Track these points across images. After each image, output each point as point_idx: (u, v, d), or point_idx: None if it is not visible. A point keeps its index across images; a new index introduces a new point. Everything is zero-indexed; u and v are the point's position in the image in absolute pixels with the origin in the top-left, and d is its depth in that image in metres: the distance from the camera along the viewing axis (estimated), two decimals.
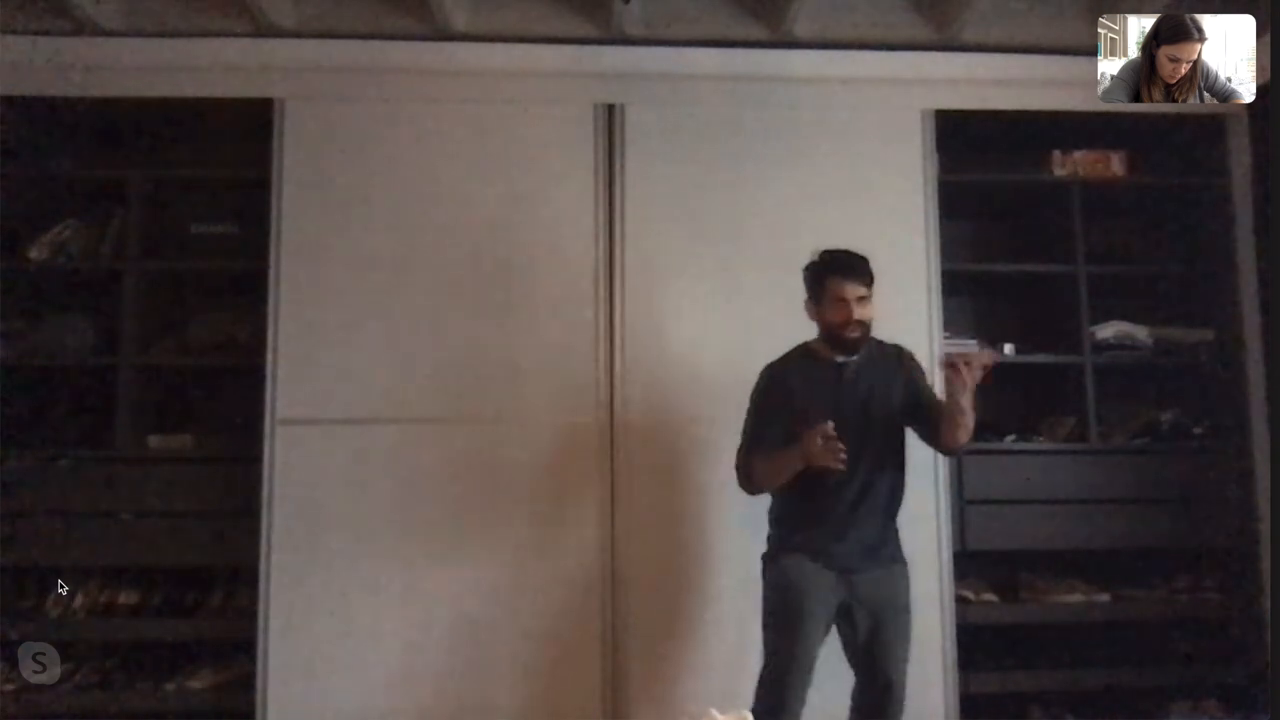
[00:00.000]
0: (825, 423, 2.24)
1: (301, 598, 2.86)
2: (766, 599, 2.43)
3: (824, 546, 2.37)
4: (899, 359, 2.52)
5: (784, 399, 2.41)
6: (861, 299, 2.38)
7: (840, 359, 2.42)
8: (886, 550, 2.43)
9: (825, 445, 2.24)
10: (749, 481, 2.45)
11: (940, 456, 2.97)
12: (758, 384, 2.49)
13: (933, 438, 2.46)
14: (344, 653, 2.86)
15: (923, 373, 2.54)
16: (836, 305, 2.38)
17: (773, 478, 2.41)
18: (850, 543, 2.37)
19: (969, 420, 2.30)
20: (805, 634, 2.33)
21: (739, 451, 2.47)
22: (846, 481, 2.35)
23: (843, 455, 2.24)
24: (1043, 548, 3.15)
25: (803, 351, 2.50)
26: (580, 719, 2.85)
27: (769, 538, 2.49)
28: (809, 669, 2.33)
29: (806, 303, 2.46)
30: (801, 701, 2.29)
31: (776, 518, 2.50)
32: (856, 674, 2.40)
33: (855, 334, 2.38)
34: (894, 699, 2.35)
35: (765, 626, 2.42)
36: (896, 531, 2.48)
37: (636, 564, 2.89)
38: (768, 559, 2.48)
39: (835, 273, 2.39)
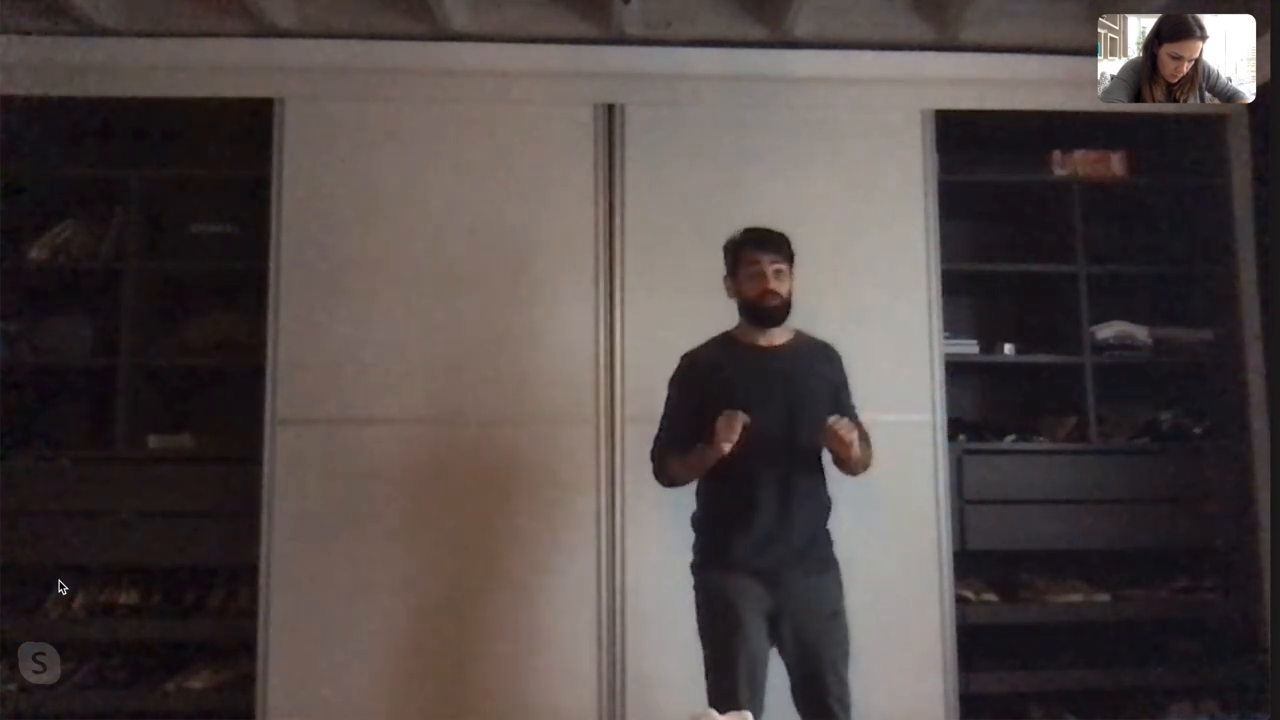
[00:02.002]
0: (736, 414, 2.18)
1: (301, 598, 2.86)
2: (699, 612, 2.35)
3: (747, 559, 2.28)
4: (828, 358, 2.46)
5: (701, 384, 2.34)
6: (779, 271, 2.34)
7: (762, 340, 2.38)
8: (814, 557, 2.34)
9: (727, 424, 2.17)
10: (663, 473, 2.38)
11: (940, 456, 2.99)
12: (676, 371, 2.42)
13: (839, 459, 2.37)
14: (344, 653, 2.86)
15: (848, 389, 2.45)
16: (752, 275, 2.34)
17: (686, 473, 2.34)
18: (774, 552, 2.28)
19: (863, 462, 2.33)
20: (743, 646, 2.24)
21: (655, 441, 2.41)
22: (767, 478, 2.29)
23: (735, 435, 2.17)
24: (1043, 548, 3.15)
25: (723, 339, 2.43)
26: (579, 719, 2.85)
27: (694, 545, 2.41)
28: (757, 677, 2.25)
29: (725, 280, 2.41)
30: (758, 706, 2.22)
31: (698, 522, 2.41)
32: (791, 680, 2.30)
33: (773, 303, 2.33)
34: (831, 697, 2.26)
35: (702, 640, 2.32)
36: (827, 534, 2.39)
37: (637, 564, 2.90)
38: (695, 569, 2.39)
39: (751, 245, 2.36)
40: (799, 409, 2.33)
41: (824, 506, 2.40)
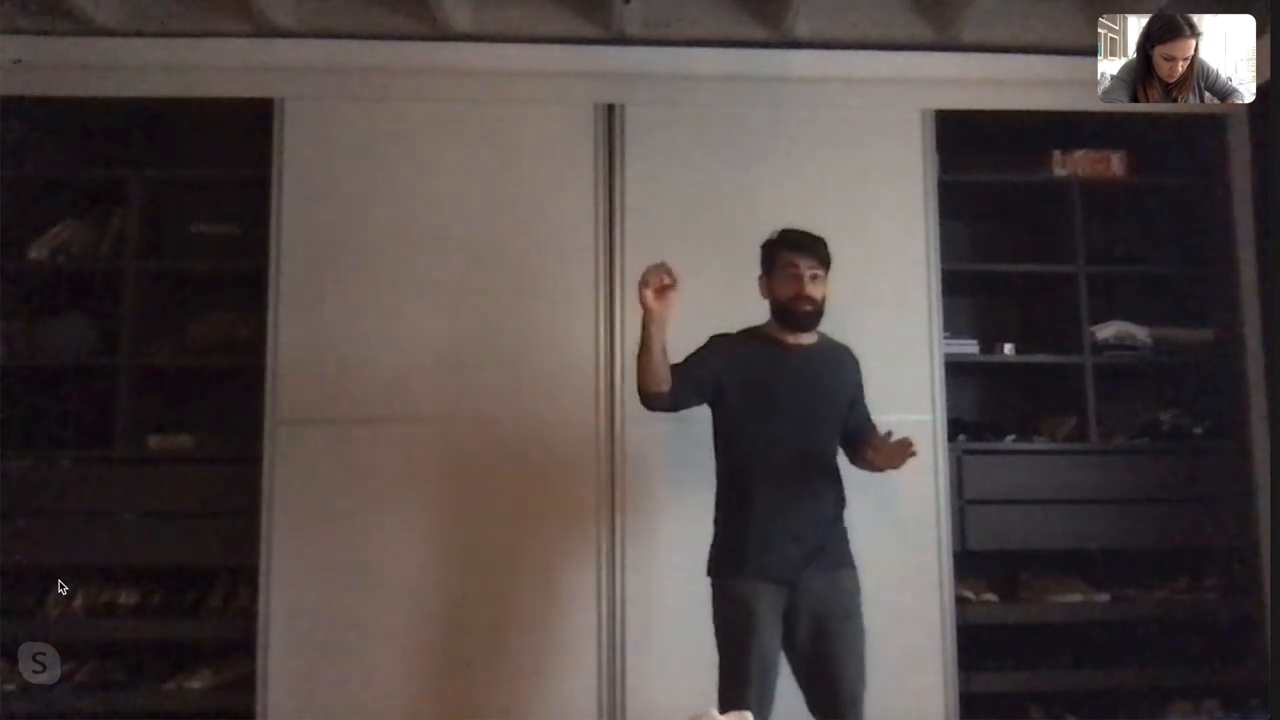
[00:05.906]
0: (660, 263, 2.16)
1: (301, 598, 2.86)
2: (715, 615, 2.33)
3: (767, 563, 2.27)
4: (850, 362, 2.48)
5: (725, 361, 2.33)
6: (815, 276, 2.33)
7: (790, 339, 2.37)
8: (830, 555, 2.33)
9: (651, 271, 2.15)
10: (642, 387, 2.27)
11: (940, 456, 2.99)
12: (703, 344, 2.37)
13: (857, 458, 2.41)
14: (344, 653, 2.86)
15: (863, 393, 2.49)
16: (789, 278, 2.33)
17: (645, 361, 2.22)
18: (793, 552, 2.28)
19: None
20: (758, 644, 2.23)
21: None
22: (787, 476, 2.30)
23: (660, 280, 2.15)
24: (1043, 548, 3.14)
25: (752, 332, 2.41)
26: (580, 719, 2.85)
27: (712, 548, 2.39)
28: (770, 677, 2.24)
29: (760, 279, 2.41)
30: (767, 705, 2.22)
31: (718, 524, 2.39)
32: (804, 690, 2.29)
33: (807, 308, 2.33)
34: (845, 696, 2.24)
35: (717, 639, 2.31)
36: (844, 533, 2.40)
37: (637, 564, 2.89)
38: (714, 575, 2.37)
39: (789, 247, 2.35)
40: (819, 409, 2.37)
41: (840, 501, 2.41)
